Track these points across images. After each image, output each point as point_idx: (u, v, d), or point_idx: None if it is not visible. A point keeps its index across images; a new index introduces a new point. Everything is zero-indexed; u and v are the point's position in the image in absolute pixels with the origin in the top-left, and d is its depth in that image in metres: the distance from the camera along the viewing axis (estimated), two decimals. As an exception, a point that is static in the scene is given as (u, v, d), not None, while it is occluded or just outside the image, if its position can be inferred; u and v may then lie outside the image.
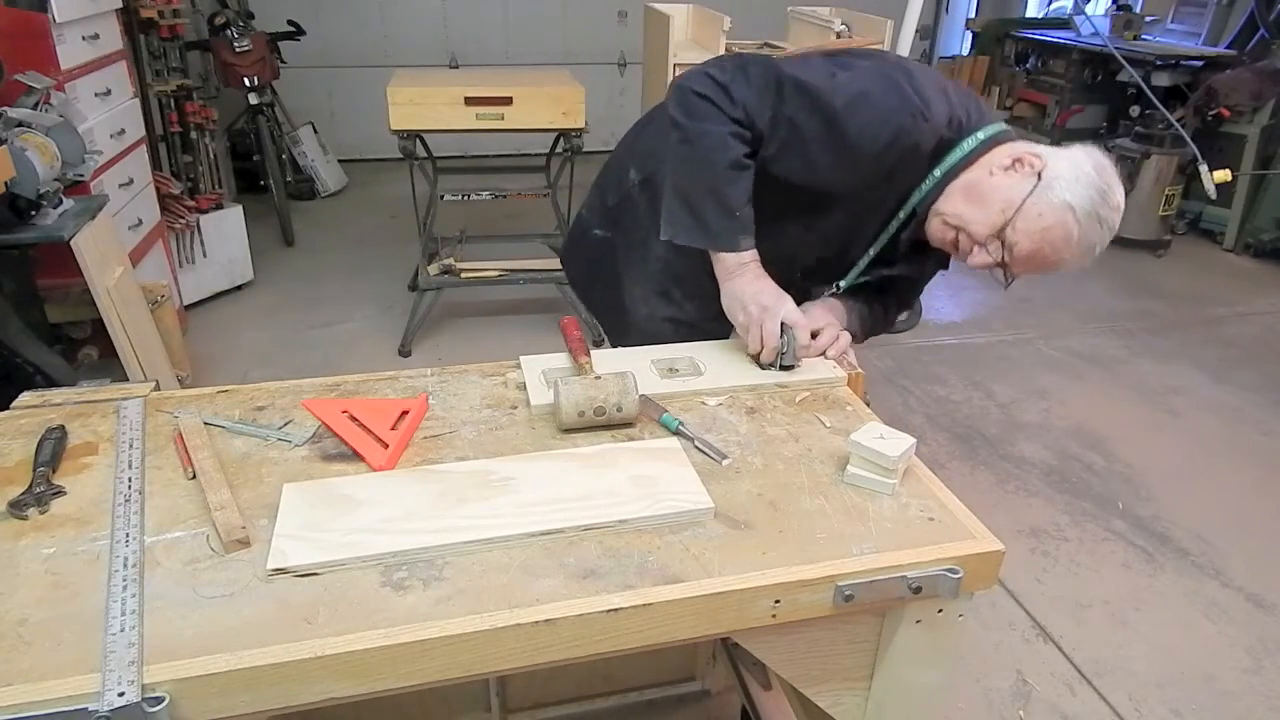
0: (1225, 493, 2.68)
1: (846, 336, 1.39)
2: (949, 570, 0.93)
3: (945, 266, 1.52)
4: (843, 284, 1.48)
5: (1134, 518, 2.56)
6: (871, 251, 1.45)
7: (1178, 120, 4.13)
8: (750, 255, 1.34)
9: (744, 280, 1.34)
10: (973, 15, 6.77)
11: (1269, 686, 1.98)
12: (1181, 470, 2.79)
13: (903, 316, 3.68)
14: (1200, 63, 4.81)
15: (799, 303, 1.50)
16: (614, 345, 1.73)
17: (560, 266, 3.56)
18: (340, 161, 5.57)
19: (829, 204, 1.39)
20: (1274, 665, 2.04)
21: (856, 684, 1.05)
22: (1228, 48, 4.99)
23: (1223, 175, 3.47)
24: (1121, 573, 2.34)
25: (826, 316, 1.42)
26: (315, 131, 5.36)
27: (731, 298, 1.35)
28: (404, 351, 3.40)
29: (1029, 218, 1.23)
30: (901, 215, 1.38)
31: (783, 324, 1.31)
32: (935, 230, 1.34)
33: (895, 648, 1.00)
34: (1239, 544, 2.45)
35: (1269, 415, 3.11)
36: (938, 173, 1.32)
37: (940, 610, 0.98)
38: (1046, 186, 1.23)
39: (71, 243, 2.25)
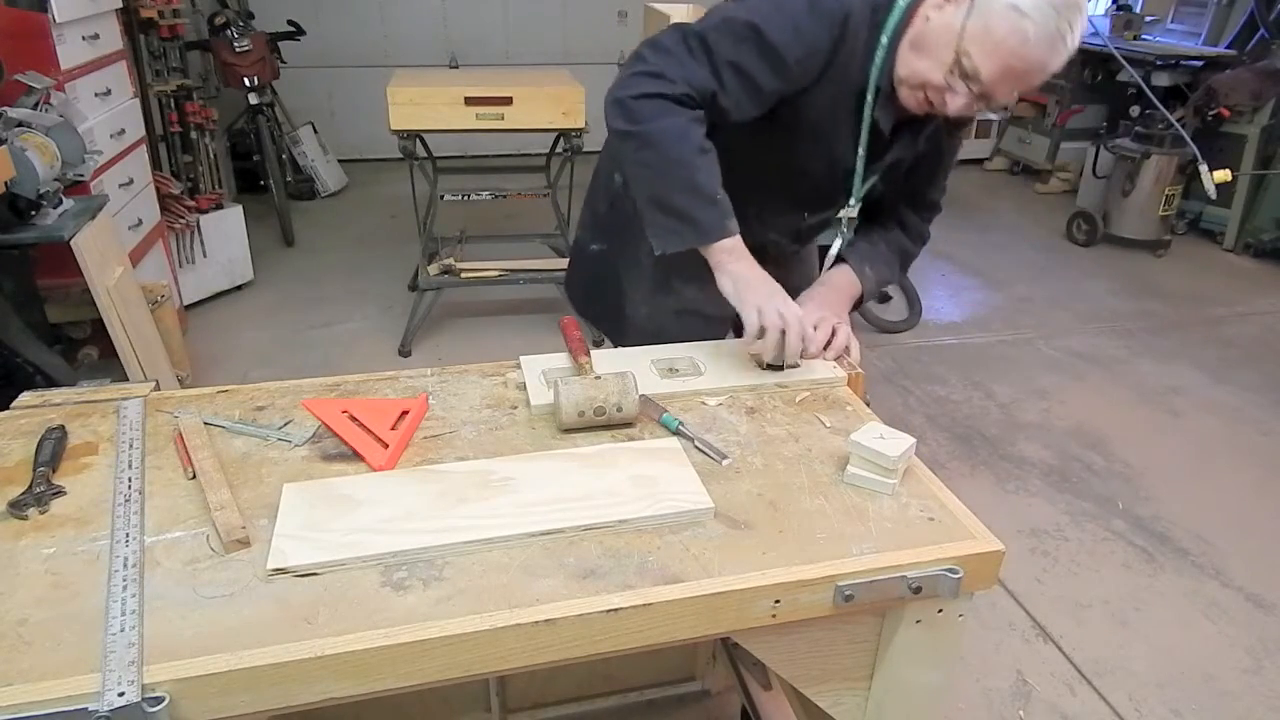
0: (1225, 493, 2.68)
1: (845, 331, 1.39)
2: (949, 570, 0.93)
3: (941, 143, 1.48)
4: (853, 200, 1.46)
5: (1134, 518, 2.56)
6: (861, 150, 1.40)
7: (1178, 120, 4.13)
8: (738, 239, 1.31)
9: (741, 266, 1.30)
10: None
11: (1269, 686, 1.98)
12: (1181, 470, 2.79)
13: (905, 318, 3.70)
14: (1200, 63, 4.81)
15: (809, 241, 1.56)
16: (617, 346, 1.73)
17: (560, 267, 3.58)
18: (340, 161, 5.56)
19: (798, 125, 1.37)
20: (1274, 665, 2.04)
21: (856, 684, 1.05)
22: (1228, 48, 4.99)
23: (1223, 175, 3.47)
24: (1121, 573, 2.34)
25: (820, 310, 1.40)
26: (315, 131, 5.36)
27: (732, 282, 1.30)
28: (404, 351, 3.40)
29: (976, 38, 1.20)
30: (869, 97, 1.34)
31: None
32: (907, 99, 1.31)
33: (895, 648, 1.00)
34: (1239, 544, 2.45)
35: (1269, 415, 3.12)
36: (884, 39, 1.30)
37: (940, 610, 0.98)
38: (983, 2, 1.20)
39: (71, 243, 2.25)
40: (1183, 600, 2.24)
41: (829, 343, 1.37)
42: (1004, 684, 1.97)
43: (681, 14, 3.67)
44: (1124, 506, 2.61)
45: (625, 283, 1.64)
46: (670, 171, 1.27)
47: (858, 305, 1.52)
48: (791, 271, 1.62)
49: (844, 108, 1.36)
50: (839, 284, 1.48)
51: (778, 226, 1.54)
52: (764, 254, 1.40)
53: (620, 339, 1.71)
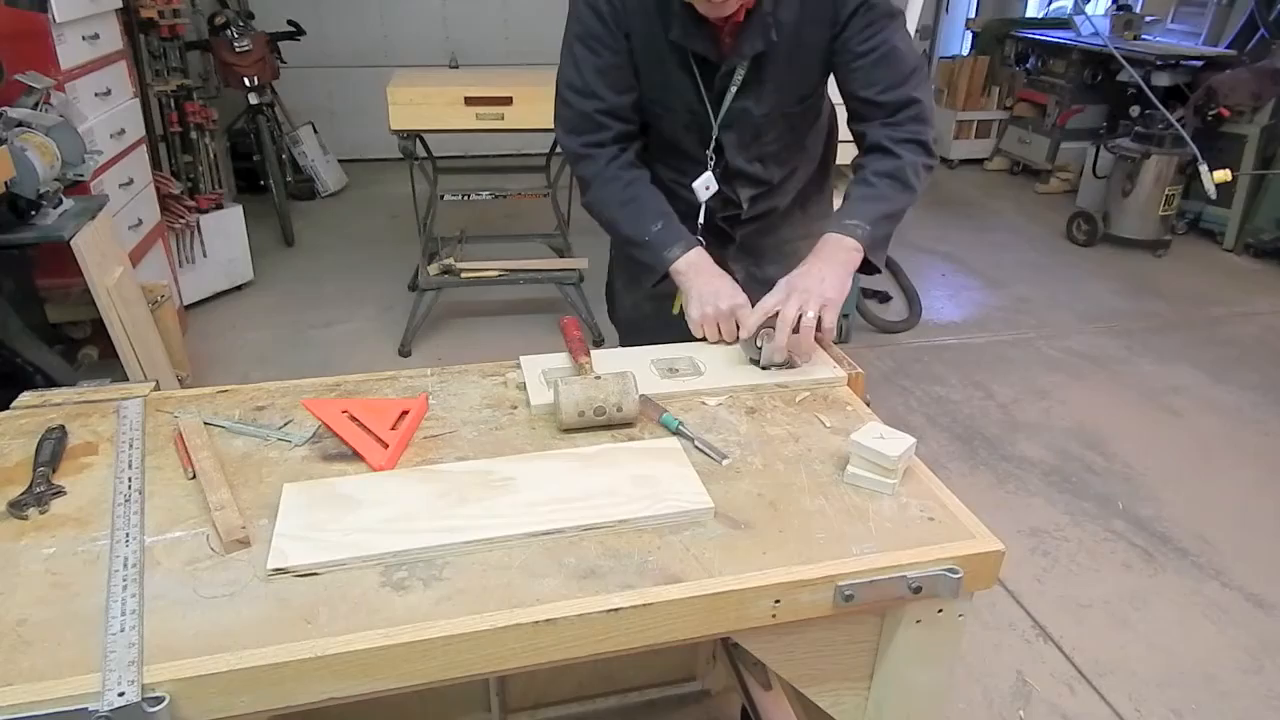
0: (1225, 492, 2.68)
1: (811, 315, 1.27)
2: (949, 570, 0.93)
3: (850, 42, 1.38)
4: (716, 124, 1.44)
5: (1134, 518, 2.56)
6: (697, 74, 1.40)
7: (1178, 120, 4.13)
8: (685, 261, 1.40)
9: (696, 281, 1.39)
10: (973, 15, 6.77)
11: (1269, 687, 1.98)
12: (1182, 470, 2.79)
13: (905, 318, 3.70)
14: (1200, 63, 4.81)
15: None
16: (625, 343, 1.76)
17: (559, 267, 3.58)
18: (340, 161, 5.57)
19: (638, 71, 1.41)
20: (1274, 665, 2.04)
21: (856, 684, 1.05)
22: (1227, 48, 4.99)
23: (1223, 175, 3.48)
24: (1122, 573, 2.34)
25: (787, 294, 1.29)
26: (315, 131, 5.36)
27: (686, 298, 1.41)
28: (404, 351, 3.41)
29: None
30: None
31: (762, 327, 1.31)
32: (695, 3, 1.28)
33: (895, 648, 1.00)
34: (1239, 544, 2.45)
35: (1269, 415, 3.11)
36: None
37: (940, 610, 0.98)
38: None
39: (71, 243, 2.25)
40: (1183, 600, 2.24)
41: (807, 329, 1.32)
42: (1004, 684, 1.97)
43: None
44: (1124, 506, 2.61)
45: (615, 278, 1.77)
46: (611, 231, 1.51)
47: (869, 262, 1.37)
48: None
49: (659, 37, 1.37)
50: (824, 255, 1.35)
51: (688, 176, 1.54)
52: (733, 236, 1.56)
53: (622, 333, 1.79)
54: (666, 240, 1.41)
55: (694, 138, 1.50)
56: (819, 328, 1.27)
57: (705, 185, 1.51)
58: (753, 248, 1.66)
